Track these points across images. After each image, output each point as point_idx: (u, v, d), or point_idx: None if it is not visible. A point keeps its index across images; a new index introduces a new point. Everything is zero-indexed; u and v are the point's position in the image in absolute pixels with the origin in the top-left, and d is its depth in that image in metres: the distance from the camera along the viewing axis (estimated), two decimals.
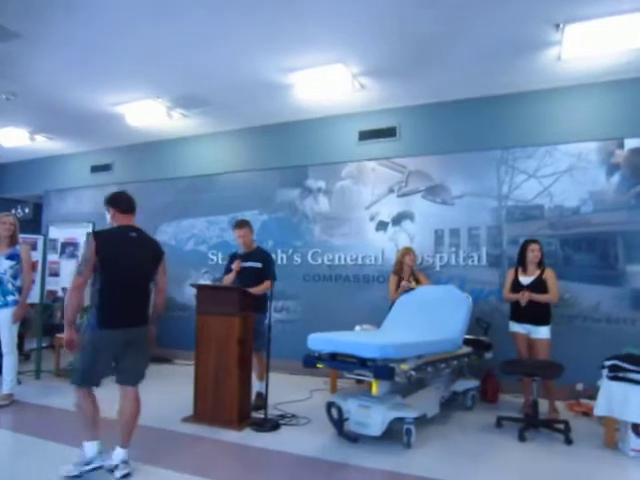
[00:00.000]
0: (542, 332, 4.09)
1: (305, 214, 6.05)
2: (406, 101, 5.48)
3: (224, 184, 6.63)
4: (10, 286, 4.30)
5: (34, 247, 5.21)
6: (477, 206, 5.14)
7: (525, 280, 4.20)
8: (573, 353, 4.27)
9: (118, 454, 2.82)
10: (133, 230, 2.97)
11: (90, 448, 2.81)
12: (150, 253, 3.04)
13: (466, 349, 4.16)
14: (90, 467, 2.79)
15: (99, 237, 2.84)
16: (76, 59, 4.58)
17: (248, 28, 3.95)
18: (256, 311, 4.04)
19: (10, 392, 4.30)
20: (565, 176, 4.83)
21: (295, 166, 6.14)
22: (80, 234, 5.56)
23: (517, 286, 4.21)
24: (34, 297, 5.08)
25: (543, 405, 3.94)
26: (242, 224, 4.43)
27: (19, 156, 8.14)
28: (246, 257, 4.36)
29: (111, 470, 2.80)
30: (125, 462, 2.81)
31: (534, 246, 4.21)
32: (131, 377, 2.90)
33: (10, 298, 4.28)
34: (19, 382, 4.68)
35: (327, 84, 4.89)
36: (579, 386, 4.39)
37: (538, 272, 4.19)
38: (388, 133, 5.62)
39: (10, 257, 4.33)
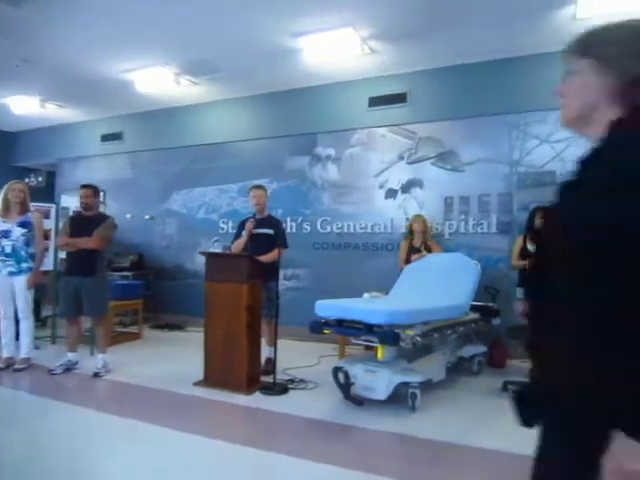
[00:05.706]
0: None
1: (314, 182, 6.01)
2: (417, 66, 5.34)
3: (234, 152, 6.60)
4: (23, 253, 4.29)
5: (47, 215, 5.25)
6: (488, 172, 5.05)
7: (534, 247, 4.15)
8: None
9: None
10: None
11: (73, 355, 4.32)
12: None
13: (473, 315, 4.17)
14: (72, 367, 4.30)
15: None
16: (86, 24, 4.53)
17: None
18: (267, 279, 4.07)
19: (27, 356, 4.36)
20: (578, 141, 4.66)
21: (304, 133, 6.07)
22: None
23: (525, 253, 4.18)
24: (48, 264, 5.15)
25: None
26: (259, 186, 4.53)
27: (31, 124, 8.16)
28: (258, 223, 4.31)
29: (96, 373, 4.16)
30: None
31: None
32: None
33: (24, 265, 4.28)
34: (36, 347, 4.80)
35: (336, 48, 4.80)
36: None
37: None
38: (398, 99, 5.50)
39: (22, 224, 4.28)
